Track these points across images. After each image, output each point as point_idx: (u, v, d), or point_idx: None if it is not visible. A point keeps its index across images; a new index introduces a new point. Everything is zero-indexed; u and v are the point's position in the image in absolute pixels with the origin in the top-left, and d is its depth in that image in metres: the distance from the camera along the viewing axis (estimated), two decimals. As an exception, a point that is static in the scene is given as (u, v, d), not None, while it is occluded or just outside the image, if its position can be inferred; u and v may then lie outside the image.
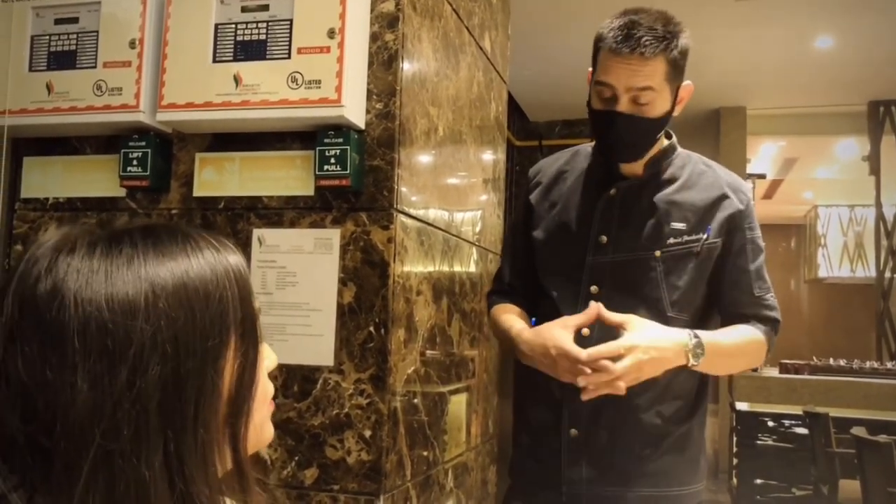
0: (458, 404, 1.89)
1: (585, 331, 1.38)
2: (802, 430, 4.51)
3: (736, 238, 1.47)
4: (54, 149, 1.67)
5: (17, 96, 1.59)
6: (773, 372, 5.80)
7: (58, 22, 1.59)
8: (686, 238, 1.44)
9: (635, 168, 1.48)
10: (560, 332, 1.35)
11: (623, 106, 1.37)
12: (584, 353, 1.30)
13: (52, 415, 0.56)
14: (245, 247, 1.51)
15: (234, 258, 0.66)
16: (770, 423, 4.84)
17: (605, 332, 1.36)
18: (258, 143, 1.54)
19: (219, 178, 1.56)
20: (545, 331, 1.38)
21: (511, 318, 1.52)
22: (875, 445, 3.08)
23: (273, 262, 1.50)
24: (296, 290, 1.48)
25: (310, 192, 1.50)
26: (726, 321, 1.50)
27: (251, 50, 1.46)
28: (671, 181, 1.48)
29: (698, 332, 1.37)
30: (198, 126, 1.54)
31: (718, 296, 1.49)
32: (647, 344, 1.30)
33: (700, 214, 1.45)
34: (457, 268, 1.87)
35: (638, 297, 1.43)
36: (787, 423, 4.79)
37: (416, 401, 1.58)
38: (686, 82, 1.43)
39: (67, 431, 0.56)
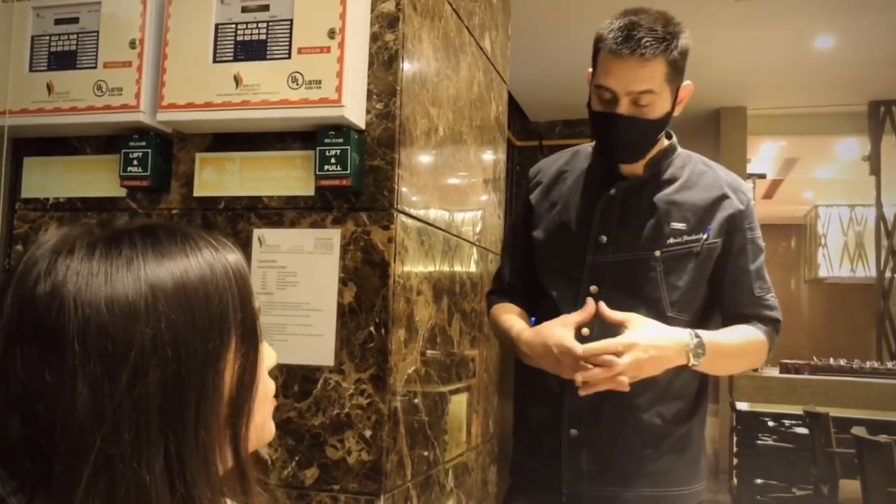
0: (458, 404, 1.89)
1: (585, 330, 1.38)
2: (803, 430, 4.51)
3: (736, 238, 1.47)
4: (55, 149, 1.67)
5: (17, 96, 1.59)
6: (774, 372, 5.80)
7: (58, 22, 1.59)
8: (686, 238, 1.44)
9: (635, 168, 1.48)
10: (560, 331, 1.35)
11: (623, 108, 1.37)
12: (580, 349, 1.30)
13: (52, 419, 0.56)
14: (245, 247, 1.51)
15: (233, 258, 0.66)
16: (770, 423, 4.84)
17: (605, 330, 1.36)
18: (258, 143, 1.54)
19: (219, 178, 1.56)
20: (545, 330, 1.38)
21: (511, 318, 1.52)
22: (875, 445, 3.08)
23: (273, 262, 1.50)
24: (296, 290, 1.48)
25: (310, 192, 1.50)
26: (727, 321, 1.50)
27: (251, 50, 1.46)
28: (671, 181, 1.48)
29: (699, 331, 1.37)
30: (198, 126, 1.54)
31: (719, 296, 1.49)
32: (647, 342, 1.30)
33: (700, 214, 1.45)
34: (457, 268, 1.87)
35: (638, 297, 1.43)
36: (787, 422, 4.79)
37: (416, 401, 1.58)
38: (686, 82, 1.43)
39: (67, 435, 0.56)
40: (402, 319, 1.50)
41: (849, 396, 5.28)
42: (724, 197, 1.47)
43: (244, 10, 1.48)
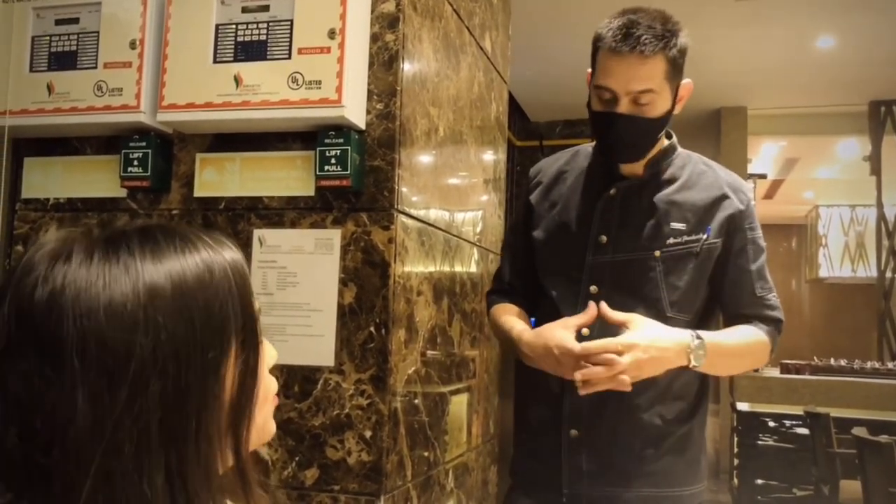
0: (458, 404, 1.89)
1: (585, 330, 1.38)
2: (803, 431, 4.51)
3: (737, 238, 1.47)
4: (55, 149, 1.67)
5: (17, 97, 1.59)
6: (774, 372, 5.79)
7: (58, 22, 1.59)
8: (686, 238, 1.44)
9: (635, 168, 1.48)
10: (562, 332, 1.35)
11: (623, 107, 1.37)
12: (577, 347, 1.30)
13: (51, 433, 0.55)
14: (246, 247, 1.51)
15: (232, 259, 0.65)
16: (771, 424, 4.84)
17: (605, 331, 1.36)
18: (259, 143, 1.54)
19: (219, 178, 1.56)
20: (546, 331, 1.38)
21: (511, 319, 1.52)
22: (876, 446, 3.07)
23: (274, 263, 1.50)
24: (296, 291, 1.48)
25: (310, 192, 1.50)
26: (729, 322, 1.50)
27: (252, 50, 1.46)
28: (671, 181, 1.48)
29: (700, 332, 1.37)
30: (198, 126, 1.54)
31: (720, 296, 1.49)
32: (647, 343, 1.30)
33: (700, 214, 1.45)
34: (457, 268, 1.87)
35: (637, 297, 1.43)
36: (788, 423, 4.79)
37: (416, 401, 1.58)
38: (685, 80, 1.43)
39: (67, 450, 0.55)
40: (403, 320, 1.50)
41: (849, 397, 5.28)
42: (724, 197, 1.47)
43: (244, 10, 1.48)
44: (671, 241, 1.44)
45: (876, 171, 6.30)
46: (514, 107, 5.98)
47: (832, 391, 5.38)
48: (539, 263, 1.54)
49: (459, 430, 1.90)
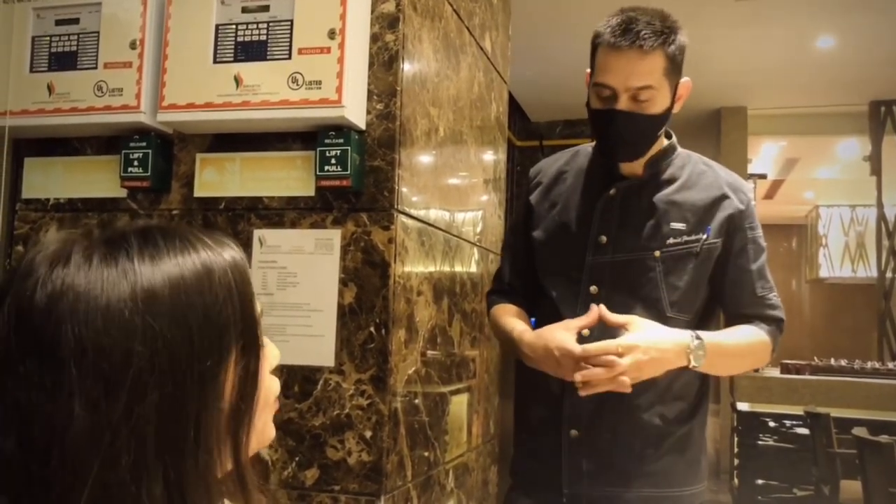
0: (459, 405, 1.89)
1: (586, 331, 1.38)
2: (804, 431, 4.51)
3: (737, 238, 1.47)
4: (55, 149, 1.68)
5: (18, 97, 1.59)
6: (775, 372, 5.79)
7: (59, 23, 1.60)
8: (686, 238, 1.44)
9: (635, 168, 1.48)
10: (562, 334, 1.35)
11: (623, 104, 1.37)
12: (578, 349, 1.30)
13: (49, 440, 0.54)
14: (246, 247, 1.51)
15: (234, 262, 0.63)
16: (771, 424, 4.84)
17: (605, 332, 1.36)
18: (259, 143, 1.54)
19: (220, 178, 1.56)
20: (547, 333, 1.38)
21: (512, 320, 1.52)
22: (876, 446, 3.07)
23: (274, 263, 1.50)
24: (296, 291, 1.48)
25: (310, 192, 1.50)
26: (730, 322, 1.50)
27: (252, 50, 1.46)
28: (671, 181, 1.48)
29: (701, 332, 1.37)
30: (198, 126, 1.54)
31: (721, 296, 1.49)
32: (647, 344, 1.30)
33: (700, 214, 1.45)
34: (457, 268, 1.87)
35: (637, 297, 1.43)
36: (788, 423, 4.79)
37: (416, 401, 1.58)
38: (684, 79, 1.43)
39: (65, 458, 0.54)
40: (403, 320, 1.50)
41: (850, 397, 5.28)
42: (723, 197, 1.47)
43: (244, 10, 1.48)
44: (671, 241, 1.44)
45: (876, 171, 6.30)
46: (514, 107, 5.98)
47: (832, 391, 5.38)
48: (539, 264, 1.54)
49: (460, 431, 1.90)
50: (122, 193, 1.61)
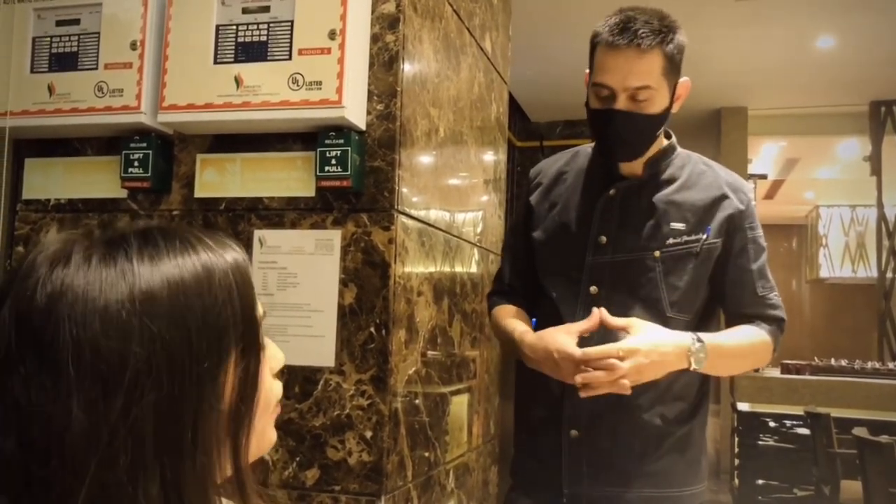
0: (459, 405, 1.89)
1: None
2: (804, 431, 4.51)
3: (737, 238, 1.47)
4: (56, 150, 1.68)
5: (18, 98, 1.59)
6: (775, 372, 5.79)
7: (59, 23, 1.60)
8: (685, 238, 1.44)
9: (635, 168, 1.48)
10: (563, 338, 1.35)
11: (621, 104, 1.37)
12: (578, 353, 1.30)
13: (48, 441, 0.54)
14: (246, 248, 1.51)
15: (235, 263, 0.63)
16: (771, 424, 4.84)
17: (606, 333, 1.36)
18: (259, 144, 1.54)
19: (220, 179, 1.56)
20: (547, 335, 1.38)
21: (513, 321, 1.52)
22: (876, 446, 3.07)
23: (274, 263, 1.50)
24: (297, 291, 1.48)
25: (311, 193, 1.50)
26: (731, 322, 1.50)
27: (252, 51, 1.47)
28: (671, 181, 1.48)
29: (702, 334, 1.37)
30: (199, 127, 1.55)
31: (721, 297, 1.49)
32: (649, 348, 1.30)
33: (699, 215, 1.45)
34: (458, 268, 1.87)
35: (637, 297, 1.43)
36: (788, 423, 4.79)
37: (417, 401, 1.58)
38: (683, 79, 1.43)
39: (63, 459, 0.54)
40: (403, 320, 1.50)
41: (850, 397, 5.28)
42: (723, 197, 1.47)
43: (245, 11, 1.48)
44: (671, 241, 1.44)
45: (876, 171, 6.30)
46: (514, 107, 5.98)
47: (833, 391, 5.38)
48: (539, 264, 1.54)
49: (460, 431, 1.91)
50: (123, 194, 1.62)
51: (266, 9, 1.47)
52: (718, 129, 6.51)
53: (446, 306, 1.78)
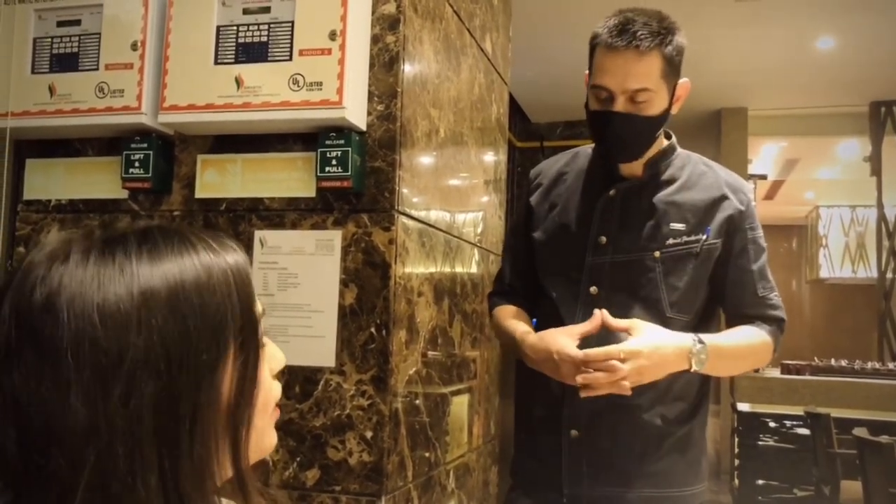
0: (459, 405, 1.89)
1: (587, 332, 1.38)
2: (804, 431, 4.51)
3: (737, 238, 1.47)
4: (56, 151, 1.68)
5: (19, 98, 1.59)
6: (775, 372, 5.79)
7: (60, 24, 1.60)
8: (685, 239, 1.44)
9: (635, 169, 1.48)
10: (564, 339, 1.35)
11: (620, 106, 1.37)
12: (580, 354, 1.30)
13: (48, 433, 0.55)
14: (247, 248, 1.51)
15: (233, 260, 0.64)
16: (771, 424, 4.84)
17: (606, 334, 1.36)
18: (260, 144, 1.55)
19: (220, 179, 1.56)
20: (548, 336, 1.38)
21: (514, 321, 1.52)
22: (876, 446, 3.07)
23: (275, 264, 1.51)
24: (297, 292, 1.48)
25: (311, 193, 1.51)
26: (731, 322, 1.50)
27: (253, 52, 1.47)
28: (671, 182, 1.48)
29: (702, 336, 1.37)
30: (199, 128, 1.55)
31: (721, 297, 1.49)
32: (650, 349, 1.30)
33: (700, 215, 1.45)
34: (458, 269, 1.87)
35: (637, 297, 1.43)
36: (788, 423, 4.79)
37: (417, 402, 1.58)
38: (683, 80, 1.43)
39: (63, 451, 0.55)
40: (403, 321, 1.51)
41: (850, 397, 5.28)
42: (723, 197, 1.47)
43: (245, 11, 1.48)
44: (671, 241, 1.44)
45: (876, 171, 6.30)
46: (514, 108, 5.98)
47: (833, 391, 5.38)
48: (539, 264, 1.54)
49: (460, 431, 1.91)
50: (124, 194, 1.62)
51: (266, 9, 1.47)
52: (718, 130, 6.51)
53: (447, 307, 1.78)
